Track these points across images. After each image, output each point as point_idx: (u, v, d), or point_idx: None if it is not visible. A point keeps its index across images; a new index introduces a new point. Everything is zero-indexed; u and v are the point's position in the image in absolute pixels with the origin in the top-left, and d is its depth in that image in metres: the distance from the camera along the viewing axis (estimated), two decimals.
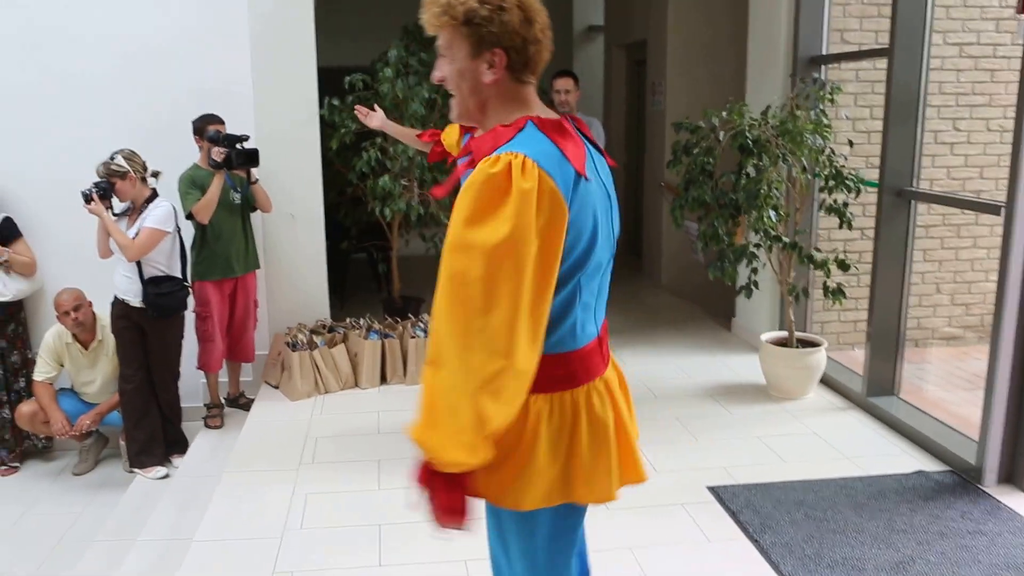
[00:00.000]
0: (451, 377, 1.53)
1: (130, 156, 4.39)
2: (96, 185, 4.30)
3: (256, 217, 5.04)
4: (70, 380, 4.94)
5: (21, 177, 4.98)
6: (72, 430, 4.78)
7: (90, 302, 4.71)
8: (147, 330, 4.56)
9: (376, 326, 5.38)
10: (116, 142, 4.50)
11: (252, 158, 4.61)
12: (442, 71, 1.74)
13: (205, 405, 5.10)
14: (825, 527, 3.30)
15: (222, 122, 4.71)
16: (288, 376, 4.99)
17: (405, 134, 3.49)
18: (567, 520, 1.80)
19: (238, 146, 4.56)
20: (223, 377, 5.13)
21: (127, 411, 4.63)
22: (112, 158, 4.35)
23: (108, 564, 3.63)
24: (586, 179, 1.63)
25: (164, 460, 4.72)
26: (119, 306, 4.49)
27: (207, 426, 4.98)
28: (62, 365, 4.81)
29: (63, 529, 4.33)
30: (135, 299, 4.46)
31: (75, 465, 5.03)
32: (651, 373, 5.19)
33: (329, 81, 5.59)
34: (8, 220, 4.88)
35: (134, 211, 4.47)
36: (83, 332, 4.74)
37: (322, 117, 5.39)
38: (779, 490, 3.61)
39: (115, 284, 4.48)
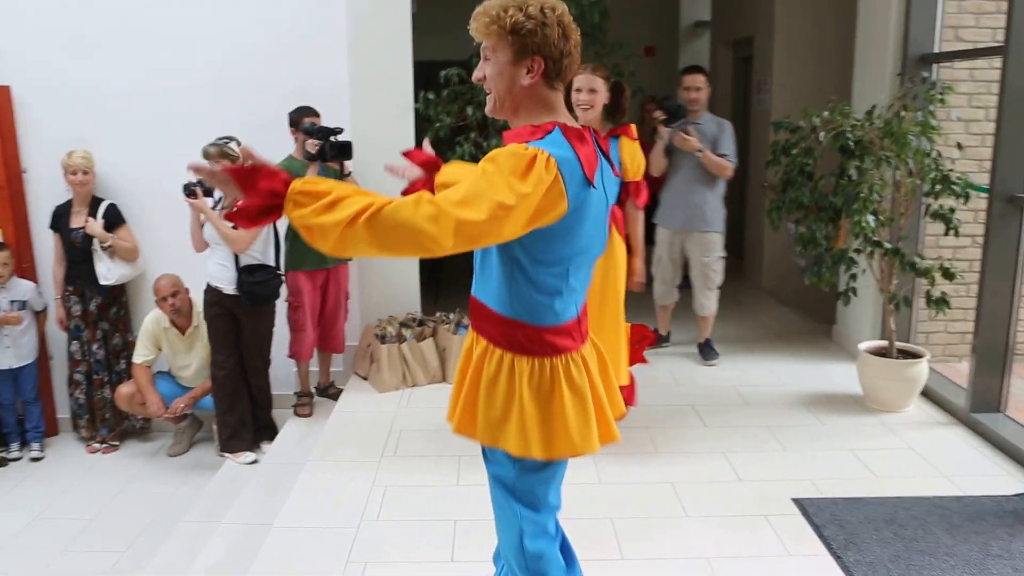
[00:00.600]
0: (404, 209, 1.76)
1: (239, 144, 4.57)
2: (198, 181, 4.47)
3: None
4: (167, 364, 5.16)
5: (127, 167, 5.25)
6: (167, 412, 5.00)
7: (187, 289, 4.91)
8: (240, 318, 4.72)
9: (466, 321, 5.43)
10: (219, 133, 4.67)
11: (345, 151, 4.70)
12: (483, 71, 2.01)
13: (295, 393, 5.24)
14: (914, 548, 3.16)
15: (317, 114, 4.84)
16: (376, 368, 5.08)
17: None
18: (542, 472, 2.12)
19: (332, 138, 4.65)
20: (314, 367, 5.26)
21: (219, 397, 4.80)
22: (226, 141, 4.52)
23: (193, 544, 3.78)
24: (592, 187, 1.93)
25: (253, 445, 4.88)
26: (212, 293, 4.66)
27: (296, 414, 5.12)
28: (160, 349, 5.04)
29: (155, 508, 4.54)
30: (229, 287, 4.62)
31: (170, 446, 5.26)
32: (744, 378, 5.08)
33: (424, 75, 5.67)
34: (113, 207, 5.14)
35: (228, 202, 4.63)
36: (180, 318, 4.95)
37: (417, 111, 5.47)
38: (868, 506, 3.48)
39: (208, 272, 4.65)
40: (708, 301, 5.32)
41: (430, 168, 2.51)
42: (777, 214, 4.71)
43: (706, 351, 5.40)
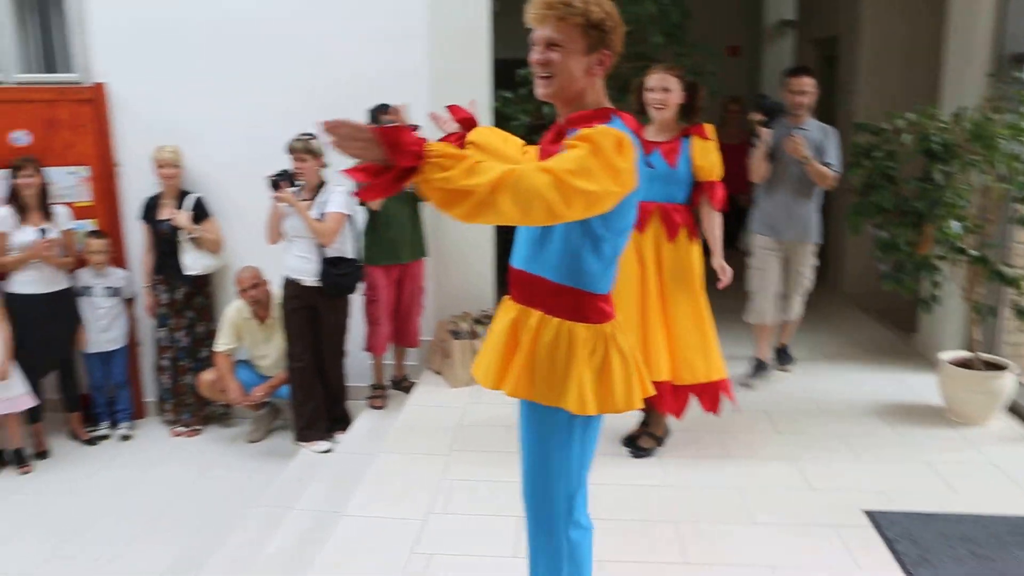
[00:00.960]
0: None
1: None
2: (284, 173, 4.59)
3: (428, 206, 5.21)
4: (247, 353, 5.32)
5: (213, 161, 5.44)
6: (245, 399, 5.16)
7: (267, 280, 5.06)
8: (318, 310, 4.84)
9: None
10: (297, 132, 4.79)
11: None
12: (545, 56, 2.12)
13: (370, 386, 5.34)
14: (991, 568, 3.05)
15: (396, 111, 4.91)
16: (449, 363, 5.14)
17: None
18: (588, 430, 2.29)
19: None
20: (389, 360, 5.36)
21: (295, 387, 4.93)
22: (309, 137, 4.64)
23: (267, 528, 3.89)
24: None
25: (327, 435, 4.99)
26: (291, 286, 4.78)
27: (370, 406, 5.22)
28: (240, 338, 5.20)
29: (233, 491, 4.69)
30: (310, 278, 4.73)
31: (249, 433, 5.42)
32: (819, 385, 4.98)
33: (503, 73, 5.71)
34: (200, 200, 5.33)
35: (306, 195, 4.75)
36: (260, 308, 5.10)
37: (495, 109, 5.51)
38: (944, 522, 3.37)
39: (287, 265, 4.78)
40: (797, 305, 5.10)
41: (466, 125, 2.59)
42: (857, 218, 4.60)
43: (783, 356, 5.29)
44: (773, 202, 4.88)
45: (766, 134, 4.70)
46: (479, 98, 5.31)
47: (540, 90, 2.18)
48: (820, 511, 3.50)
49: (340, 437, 4.97)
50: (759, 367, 5.07)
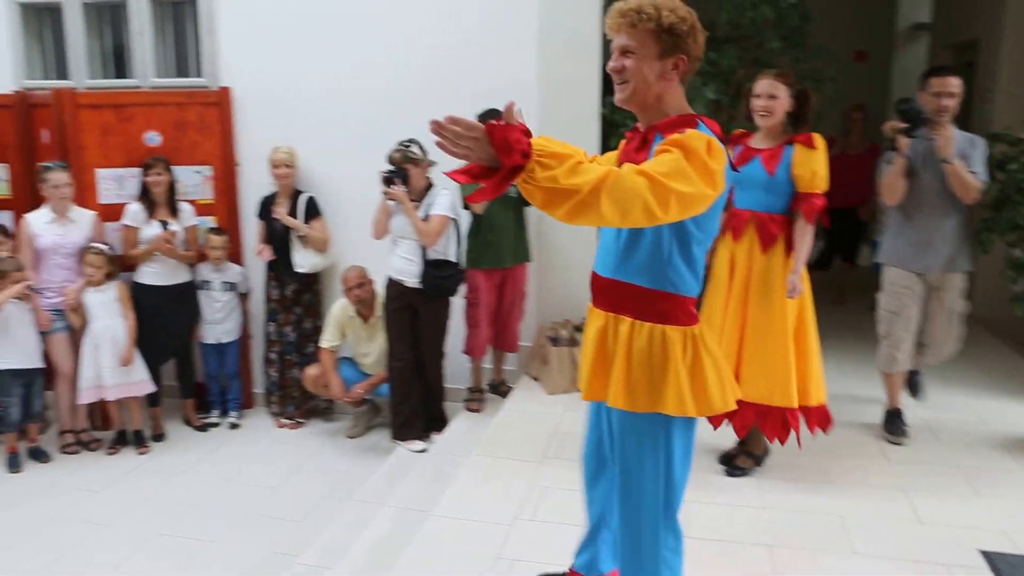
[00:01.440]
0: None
1: (420, 146, 4.75)
2: (398, 171, 4.66)
3: (532, 211, 5.19)
4: (351, 350, 5.43)
5: (325, 163, 5.58)
6: (347, 396, 5.26)
7: (372, 280, 5.15)
8: (420, 311, 4.89)
9: None
10: (408, 134, 4.86)
11: None
12: (621, 63, 2.16)
13: (467, 388, 5.37)
14: None
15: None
16: (547, 369, 5.11)
17: None
18: (688, 431, 2.31)
19: None
20: (487, 363, 5.37)
21: (394, 386, 5.00)
22: (407, 145, 4.72)
23: (359, 522, 3.95)
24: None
25: (424, 435, 5.04)
26: (393, 287, 4.85)
27: (467, 409, 5.24)
28: (345, 335, 5.31)
29: (330, 484, 4.79)
30: (412, 280, 4.79)
31: (349, 428, 5.53)
32: (939, 412, 4.67)
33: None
34: (312, 200, 5.47)
35: (413, 198, 4.80)
36: (364, 307, 5.20)
37: (603, 116, 5.45)
38: None
39: (391, 265, 4.85)
40: (949, 349, 4.40)
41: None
42: (989, 235, 4.31)
43: (914, 382, 4.80)
44: (912, 227, 4.18)
45: (905, 144, 4.01)
46: (588, 105, 5.28)
47: (617, 96, 2.22)
48: (929, 547, 3.28)
49: (436, 437, 5.00)
50: (894, 419, 4.38)
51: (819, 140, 3.61)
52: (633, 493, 2.32)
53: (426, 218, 4.74)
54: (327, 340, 5.29)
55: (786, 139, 3.66)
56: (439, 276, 4.79)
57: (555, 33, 5.18)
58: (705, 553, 3.20)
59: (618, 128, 5.54)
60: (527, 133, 1.87)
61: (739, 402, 3.73)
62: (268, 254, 5.40)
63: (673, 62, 2.15)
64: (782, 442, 3.76)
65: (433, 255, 4.79)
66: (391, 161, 4.75)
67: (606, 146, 5.49)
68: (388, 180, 4.65)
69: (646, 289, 2.22)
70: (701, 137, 2.01)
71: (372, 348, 5.29)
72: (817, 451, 4.08)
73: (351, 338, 5.32)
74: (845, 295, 7.27)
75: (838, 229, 7.13)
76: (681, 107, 2.22)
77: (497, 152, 1.81)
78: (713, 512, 3.57)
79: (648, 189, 1.88)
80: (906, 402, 4.60)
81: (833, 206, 6.95)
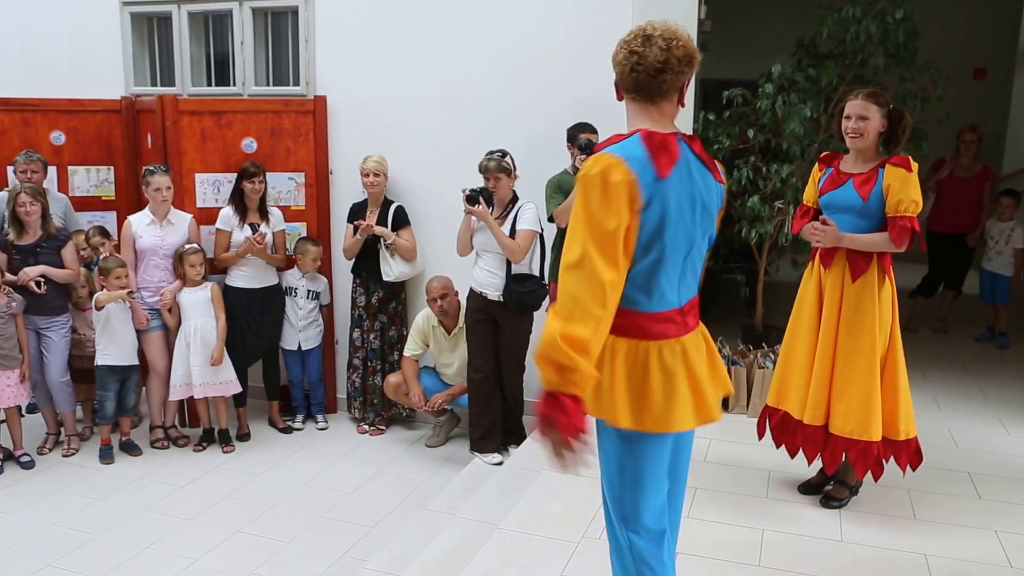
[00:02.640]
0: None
1: (510, 157, 4.85)
2: (481, 190, 4.77)
3: None
4: (433, 360, 5.54)
5: (415, 173, 5.72)
6: (427, 405, 5.37)
7: (456, 292, 5.25)
8: (501, 324, 4.97)
9: (726, 351, 5.31)
10: (497, 146, 4.96)
11: None
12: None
13: None
14: None
15: (595, 131, 4.96)
16: None
17: None
18: (635, 444, 2.31)
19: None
20: None
21: (474, 398, 5.09)
22: (503, 155, 4.82)
23: (430, 531, 4.03)
24: (662, 178, 2.16)
25: (501, 447, 5.11)
26: (476, 299, 4.94)
27: None
28: (427, 345, 5.42)
29: (406, 492, 4.90)
30: (494, 293, 4.88)
31: (428, 437, 5.64)
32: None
33: (708, 94, 5.62)
34: (401, 209, 5.61)
35: (497, 211, 4.89)
36: (447, 318, 5.30)
37: (695, 131, 5.43)
38: None
39: (474, 278, 4.94)
40: None
41: None
42: None
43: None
44: None
45: None
46: (683, 119, 5.26)
47: None
48: None
49: (513, 450, 5.07)
50: None
51: (913, 163, 3.54)
52: (603, 492, 2.48)
53: (512, 232, 4.83)
54: (410, 349, 5.42)
55: (879, 161, 3.59)
56: (522, 290, 4.86)
57: None
58: None
59: (712, 144, 5.53)
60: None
61: (830, 435, 3.69)
62: (367, 227, 5.48)
63: (619, 92, 2.34)
64: (875, 477, 3.69)
65: (517, 269, 4.87)
66: (484, 170, 4.83)
67: None
68: (472, 199, 4.75)
69: None
70: (589, 179, 2.12)
71: (454, 359, 5.40)
72: (905, 486, 3.97)
73: (433, 348, 5.44)
74: (947, 325, 7.04)
75: (944, 255, 6.93)
76: (631, 127, 2.32)
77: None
78: (793, 544, 3.53)
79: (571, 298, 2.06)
80: (1006, 439, 4.44)
81: (939, 230, 6.82)
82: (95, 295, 5.19)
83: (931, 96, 5.42)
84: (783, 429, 3.92)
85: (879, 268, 3.59)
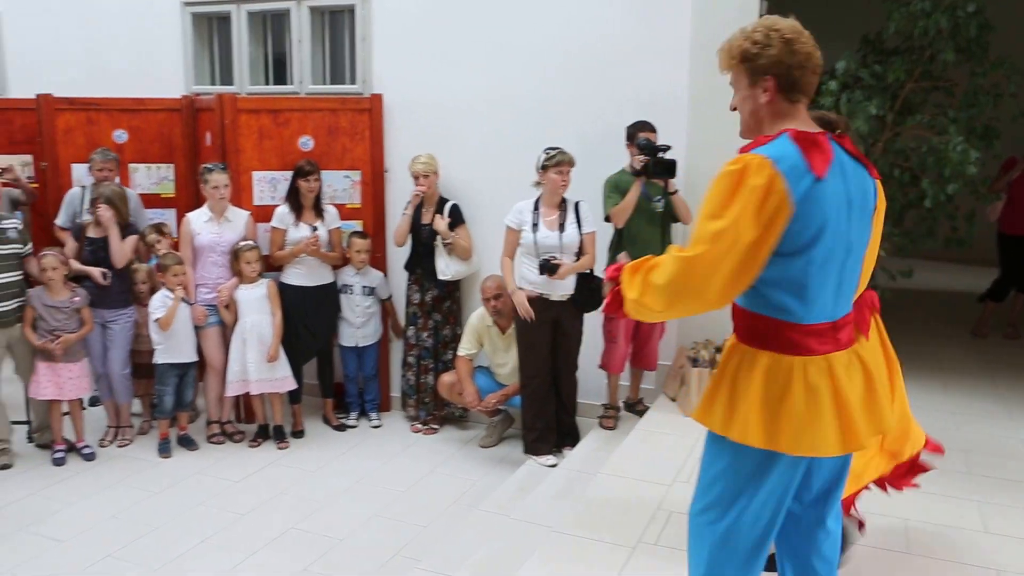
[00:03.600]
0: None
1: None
2: (545, 262, 4.79)
3: (678, 227, 5.15)
4: (487, 359, 5.56)
5: (469, 171, 5.75)
6: (480, 404, 5.39)
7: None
8: (563, 324, 4.98)
9: None
10: (552, 144, 4.95)
11: (669, 169, 4.71)
12: (734, 101, 2.26)
13: (603, 405, 5.41)
14: None
15: (654, 130, 4.93)
16: (685, 391, 5.07)
17: None
18: (761, 464, 2.17)
19: (657, 155, 4.70)
20: (624, 381, 5.38)
21: (528, 401, 5.09)
22: (557, 151, 4.81)
23: (483, 532, 4.07)
24: (820, 178, 2.04)
25: (555, 449, 5.11)
26: (536, 302, 4.89)
27: (601, 426, 5.28)
28: (482, 345, 5.44)
29: (458, 492, 4.92)
30: (558, 294, 4.88)
31: (482, 437, 5.66)
32: None
33: None
34: (456, 207, 5.64)
35: (554, 211, 4.89)
36: (501, 318, 5.32)
37: None
38: None
39: (531, 280, 4.90)
40: None
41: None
42: None
43: None
44: None
45: None
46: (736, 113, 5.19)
47: (740, 132, 2.30)
48: None
49: (567, 452, 5.06)
50: None
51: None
52: (696, 506, 2.32)
53: (580, 242, 4.89)
54: (464, 348, 5.45)
55: None
56: (591, 288, 4.89)
57: (709, 42, 5.13)
58: None
59: None
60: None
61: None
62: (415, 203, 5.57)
63: (763, 86, 2.17)
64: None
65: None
66: (558, 163, 4.76)
67: None
68: (551, 270, 4.77)
69: (745, 310, 2.22)
70: (726, 176, 2.05)
71: (508, 358, 5.40)
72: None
73: (488, 348, 5.45)
74: (1019, 330, 6.85)
75: (1016, 257, 6.75)
76: (773, 128, 2.17)
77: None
78: None
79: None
80: None
81: (1011, 232, 6.65)
82: (158, 319, 5.32)
83: (1004, 92, 5.29)
84: None
85: None
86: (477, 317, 5.43)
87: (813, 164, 2.03)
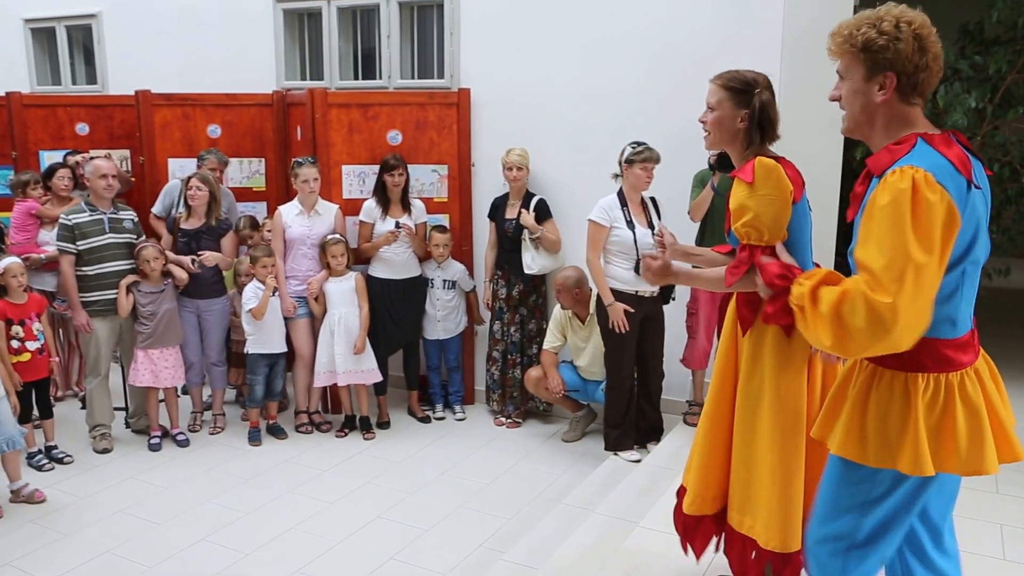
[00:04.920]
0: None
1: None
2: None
3: None
4: (571, 353, 5.62)
5: (556, 167, 5.81)
6: (562, 398, 5.47)
7: (590, 286, 5.30)
8: (651, 319, 5.01)
9: None
10: (641, 139, 4.98)
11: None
12: (839, 91, 2.13)
13: (687, 402, 5.42)
14: None
15: None
16: None
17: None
18: (919, 489, 2.10)
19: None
20: (709, 378, 5.37)
21: (612, 398, 5.13)
22: (643, 146, 4.83)
23: (566, 526, 4.12)
24: (976, 187, 1.95)
25: (638, 445, 5.14)
26: (625, 299, 4.91)
27: (685, 422, 5.29)
28: (565, 337, 5.50)
29: (542, 486, 4.99)
30: (650, 288, 4.89)
31: (565, 432, 5.72)
32: None
33: None
34: (543, 202, 5.70)
35: (639, 208, 4.93)
36: (580, 308, 5.36)
37: None
38: None
39: (619, 278, 4.92)
40: None
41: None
42: None
43: None
44: None
45: None
46: (832, 110, 5.11)
47: (842, 128, 2.19)
48: None
49: (652, 447, 5.09)
50: None
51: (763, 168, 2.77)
52: (825, 536, 2.25)
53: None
54: (549, 342, 5.52)
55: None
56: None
57: (801, 33, 5.10)
58: None
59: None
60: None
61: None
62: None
63: (879, 82, 2.03)
64: None
65: None
66: (646, 160, 4.79)
67: (848, 157, 5.33)
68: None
69: None
70: (902, 194, 1.86)
71: (588, 346, 5.44)
72: None
73: (570, 339, 5.51)
74: None
75: None
76: (894, 133, 2.05)
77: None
78: None
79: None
80: None
81: None
82: (251, 310, 5.53)
83: None
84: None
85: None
86: (560, 310, 5.49)
87: (962, 170, 1.93)
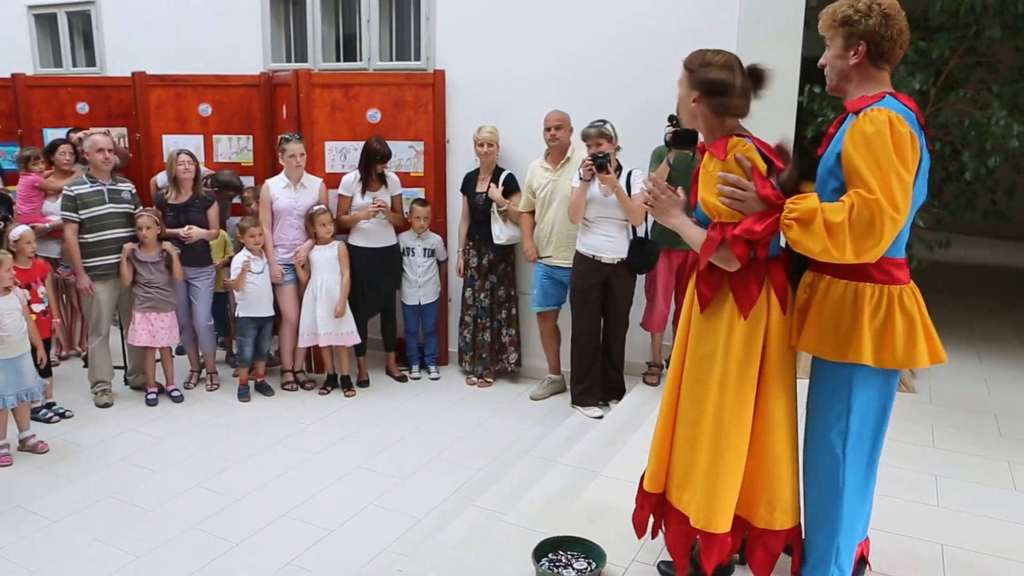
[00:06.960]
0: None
1: (612, 127, 4.76)
2: (605, 155, 4.63)
3: None
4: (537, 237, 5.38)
5: (526, 145, 5.63)
6: (532, 258, 5.36)
7: (571, 128, 5.16)
8: (613, 285, 4.93)
9: None
10: (611, 120, 4.87)
11: (689, 139, 4.60)
12: (825, 58, 2.43)
13: (646, 363, 5.37)
14: None
15: None
16: None
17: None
18: (871, 378, 2.40)
19: (678, 127, 4.59)
20: (668, 340, 5.32)
21: (578, 357, 5.06)
22: (603, 123, 4.73)
23: (532, 475, 4.07)
24: (922, 128, 2.29)
25: (601, 402, 5.09)
26: (587, 263, 4.87)
27: (644, 382, 5.24)
28: (534, 193, 5.30)
29: (510, 439, 4.93)
30: (612, 256, 4.83)
31: (534, 390, 5.65)
32: None
33: (811, 70, 5.38)
34: (511, 177, 5.60)
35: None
36: (553, 150, 5.19)
37: (800, 104, 5.21)
38: None
39: (585, 243, 4.86)
40: None
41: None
42: None
43: None
44: None
45: None
46: (786, 93, 5.05)
47: (827, 87, 2.47)
48: None
49: (613, 405, 5.04)
50: None
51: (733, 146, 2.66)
52: (816, 434, 2.51)
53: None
54: (523, 206, 5.41)
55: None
56: (646, 252, 4.85)
57: (757, 20, 5.01)
58: None
59: (815, 117, 5.30)
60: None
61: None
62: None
63: (854, 48, 2.34)
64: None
65: (640, 232, 4.85)
66: (585, 137, 4.75)
67: (800, 135, 5.26)
68: (602, 166, 4.62)
69: None
70: (882, 116, 2.19)
71: (552, 206, 5.22)
72: None
73: (537, 182, 5.30)
74: None
75: None
76: (868, 89, 2.35)
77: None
78: None
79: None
80: None
81: None
82: (227, 282, 5.50)
83: None
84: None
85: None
86: (528, 171, 5.37)
87: (920, 118, 2.27)
